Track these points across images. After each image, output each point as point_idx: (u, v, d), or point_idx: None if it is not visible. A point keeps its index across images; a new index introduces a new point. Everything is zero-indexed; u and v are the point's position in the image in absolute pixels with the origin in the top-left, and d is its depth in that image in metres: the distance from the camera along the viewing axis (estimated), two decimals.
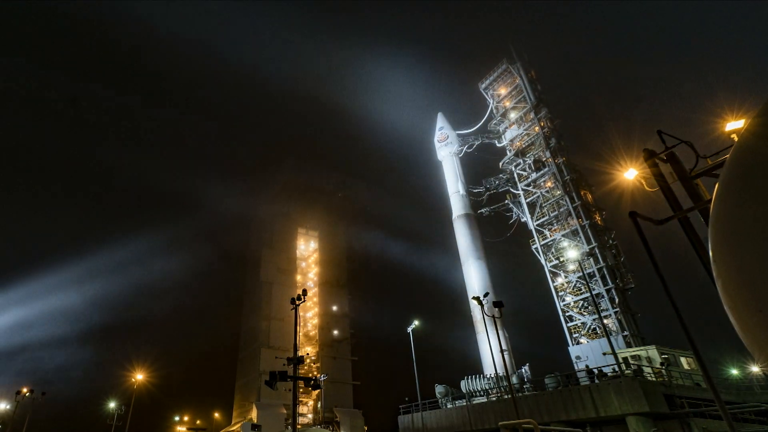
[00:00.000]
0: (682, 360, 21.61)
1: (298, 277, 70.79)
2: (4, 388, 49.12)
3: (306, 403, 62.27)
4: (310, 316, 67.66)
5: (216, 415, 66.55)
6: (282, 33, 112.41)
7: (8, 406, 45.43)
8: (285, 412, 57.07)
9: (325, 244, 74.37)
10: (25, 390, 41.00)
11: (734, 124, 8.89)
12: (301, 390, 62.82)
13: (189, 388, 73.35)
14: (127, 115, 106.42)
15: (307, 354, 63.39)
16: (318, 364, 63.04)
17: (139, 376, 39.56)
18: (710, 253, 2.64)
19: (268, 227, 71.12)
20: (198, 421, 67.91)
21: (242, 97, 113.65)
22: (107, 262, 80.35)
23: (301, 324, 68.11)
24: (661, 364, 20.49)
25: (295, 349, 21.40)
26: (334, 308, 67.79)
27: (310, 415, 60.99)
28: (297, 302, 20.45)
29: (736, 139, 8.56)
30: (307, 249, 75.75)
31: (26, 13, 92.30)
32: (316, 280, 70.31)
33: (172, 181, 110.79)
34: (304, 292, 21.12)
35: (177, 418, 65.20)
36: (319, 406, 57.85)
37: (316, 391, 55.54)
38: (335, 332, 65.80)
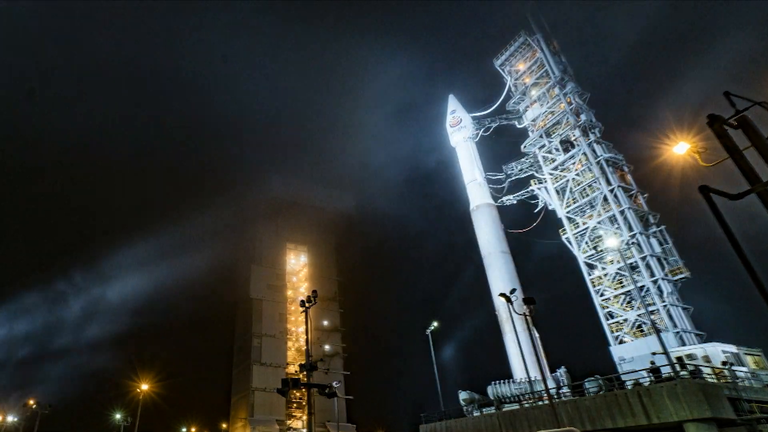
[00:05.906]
0: (748, 359, 20.63)
1: (289, 293, 72.25)
2: (10, 400, 51.20)
3: (300, 418, 64.07)
4: (301, 331, 68.84)
5: (224, 425, 68.14)
6: (262, 32, 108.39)
7: (15, 418, 47.37)
8: (278, 427, 58.98)
9: (315, 258, 75.95)
10: (31, 402, 42.58)
11: None
12: (294, 405, 64.44)
13: (195, 398, 75.21)
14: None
15: (300, 369, 65.87)
16: (311, 379, 65.99)
17: (144, 386, 40.50)
18: None
19: (256, 243, 72.32)
20: None
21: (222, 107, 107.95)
22: (105, 269, 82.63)
23: (293, 339, 69.57)
24: (724, 363, 19.59)
25: (308, 355, 21.35)
26: (325, 323, 69.56)
27: (304, 430, 62.99)
28: (307, 304, 20.34)
29: None
30: (297, 263, 77.20)
31: None
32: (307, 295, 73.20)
33: (160, 195, 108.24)
34: (315, 293, 20.97)
35: (184, 430, 66.98)
36: (312, 420, 59.87)
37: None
38: (326, 347, 67.69)
